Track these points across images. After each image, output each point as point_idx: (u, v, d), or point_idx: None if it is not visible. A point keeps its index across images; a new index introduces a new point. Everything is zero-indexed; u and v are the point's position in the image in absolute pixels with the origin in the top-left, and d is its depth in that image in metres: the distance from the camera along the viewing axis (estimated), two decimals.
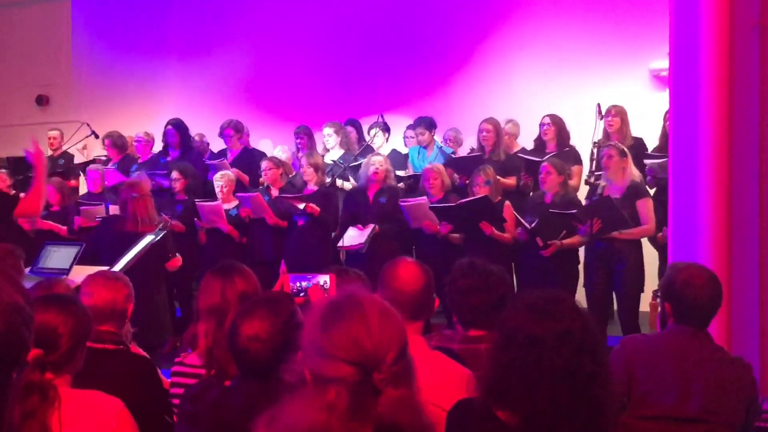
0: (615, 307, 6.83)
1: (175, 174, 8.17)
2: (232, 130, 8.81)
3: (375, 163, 7.57)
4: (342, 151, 8.66)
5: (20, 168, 9.17)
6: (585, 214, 6.48)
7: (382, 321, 1.80)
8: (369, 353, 1.74)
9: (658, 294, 4.08)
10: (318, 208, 7.47)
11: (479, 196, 6.81)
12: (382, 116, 8.92)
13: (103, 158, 9.49)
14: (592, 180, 7.09)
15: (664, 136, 6.67)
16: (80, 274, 4.90)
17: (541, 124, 7.74)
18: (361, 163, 7.93)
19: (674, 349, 3.33)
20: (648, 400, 3.27)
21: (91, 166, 9.07)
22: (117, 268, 5.69)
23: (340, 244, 7.42)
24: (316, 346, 1.78)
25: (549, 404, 2.10)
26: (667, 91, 5.71)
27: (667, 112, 5.91)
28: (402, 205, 7.18)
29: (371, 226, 7.29)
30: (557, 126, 7.64)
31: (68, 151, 9.90)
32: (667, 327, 3.48)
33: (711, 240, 5.36)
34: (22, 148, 5.04)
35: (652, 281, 6.87)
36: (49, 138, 9.97)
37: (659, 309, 3.81)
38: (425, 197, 7.19)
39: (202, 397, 2.72)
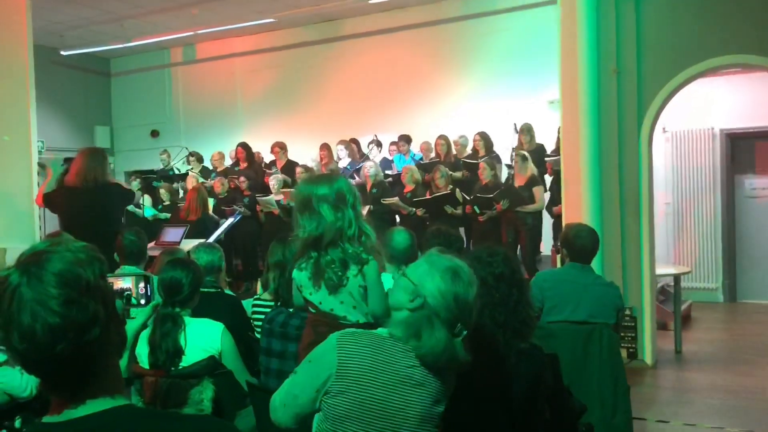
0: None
1: (242, 178, 8.11)
2: (278, 148, 8.73)
3: (368, 167, 7.54)
4: (349, 160, 8.59)
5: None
6: (500, 196, 6.49)
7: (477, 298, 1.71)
8: (458, 313, 1.68)
9: (559, 243, 4.13)
10: None
11: (446, 192, 6.78)
12: (376, 135, 8.89)
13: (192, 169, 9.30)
14: (511, 173, 7.09)
15: (558, 143, 6.67)
16: (188, 244, 4.93)
17: (474, 139, 7.72)
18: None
19: (570, 278, 3.37)
20: (554, 311, 3.32)
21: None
22: (211, 239, 5.70)
23: None
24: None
25: (491, 320, 2.08)
26: (560, 113, 5.73)
27: (560, 128, 5.93)
28: (382, 201, 7.15)
29: (367, 207, 7.28)
30: (485, 139, 7.59)
31: (174, 165, 9.66)
32: (564, 264, 3.52)
33: (590, 207, 5.42)
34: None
35: (549, 236, 6.93)
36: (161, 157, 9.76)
37: (558, 253, 3.85)
38: (397, 197, 7.12)
39: (274, 319, 2.76)
